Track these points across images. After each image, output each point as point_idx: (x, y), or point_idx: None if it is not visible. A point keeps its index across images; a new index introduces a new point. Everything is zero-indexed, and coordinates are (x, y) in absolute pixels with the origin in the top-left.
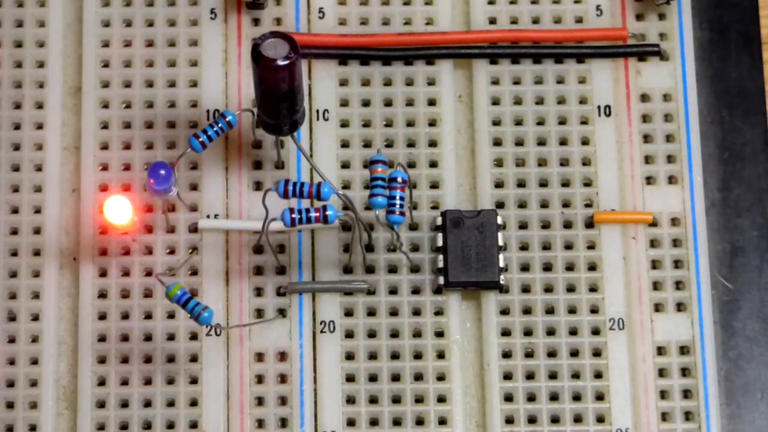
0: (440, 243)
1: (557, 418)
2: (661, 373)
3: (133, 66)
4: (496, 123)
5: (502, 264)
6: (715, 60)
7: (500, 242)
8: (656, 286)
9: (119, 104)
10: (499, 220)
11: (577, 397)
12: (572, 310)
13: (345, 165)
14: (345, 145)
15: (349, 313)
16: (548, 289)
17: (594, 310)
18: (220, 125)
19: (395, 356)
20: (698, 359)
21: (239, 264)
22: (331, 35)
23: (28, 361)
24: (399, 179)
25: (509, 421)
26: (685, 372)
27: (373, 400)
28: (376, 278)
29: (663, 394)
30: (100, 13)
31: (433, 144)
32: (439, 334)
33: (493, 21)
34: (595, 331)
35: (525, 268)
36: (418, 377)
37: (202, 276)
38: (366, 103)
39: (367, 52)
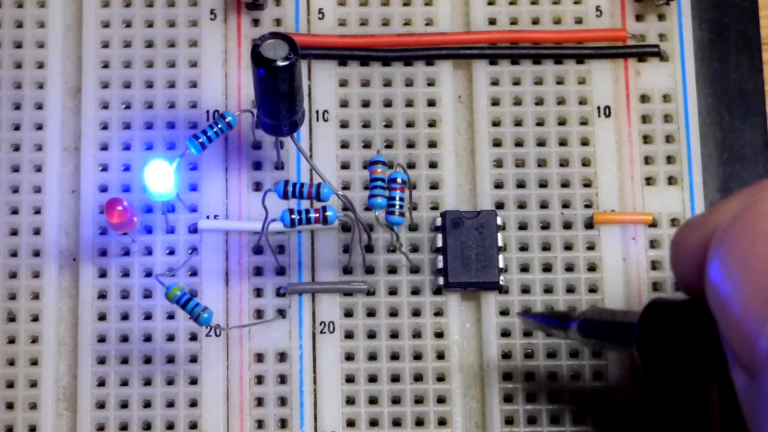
0: (440, 244)
1: (557, 419)
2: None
3: (132, 67)
4: (496, 124)
5: (501, 265)
6: (714, 61)
7: (500, 243)
8: (656, 286)
9: (119, 105)
10: (499, 221)
11: (577, 398)
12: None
13: (345, 166)
14: (345, 145)
15: (348, 313)
16: (548, 290)
17: None
18: (219, 126)
19: (395, 357)
20: None
21: (239, 265)
22: (331, 36)
23: (28, 362)
24: (399, 180)
25: (509, 421)
26: None
27: (373, 400)
28: (375, 279)
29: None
30: (99, 13)
31: (432, 145)
32: (439, 335)
33: (492, 22)
34: None
35: (525, 268)
36: (418, 378)
37: (201, 277)
38: (366, 104)
39: (366, 52)
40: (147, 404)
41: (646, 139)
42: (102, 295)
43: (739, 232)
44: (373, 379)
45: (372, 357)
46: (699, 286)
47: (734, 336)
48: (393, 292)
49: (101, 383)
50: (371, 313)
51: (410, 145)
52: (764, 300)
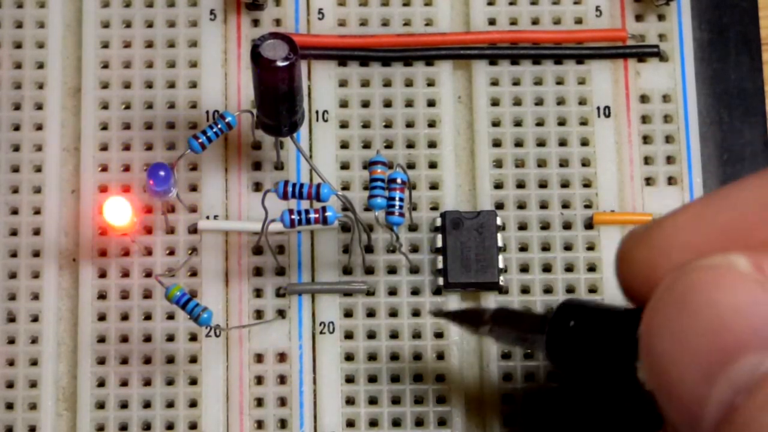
0: (440, 244)
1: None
2: None
3: (132, 67)
4: (496, 124)
5: (501, 265)
6: (714, 61)
7: (499, 243)
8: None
9: (119, 105)
10: (499, 221)
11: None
12: None
13: (344, 166)
14: (344, 146)
15: (348, 314)
16: (548, 290)
17: None
18: (219, 126)
19: (395, 357)
20: None
21: (239, 265)
22: (331, 36)
23: (28, 362)
24: (398, 180)
25: (509, 421)
26: None
27: (373, 400)
28: (375, 279)
29: None
30: (99, 14)
31: (432, 145)
32: (439, 335)
33: (492, 22)
34: None
35: (524, 269)
36: (418, 378)
37: (201, 277)
38: (365, 104)
39: (366, 53)
40: (147, 404)
41: (646, 139)
42: (102, 296)
43: (672, 305)
44: (373, 379)
45: (372, 357)
46: (644, 299)
47: (674, 415)
48: (393, 292)
49: (101, 383)
50: (371, 314)
51: (410, 145)
52: (704, 379)
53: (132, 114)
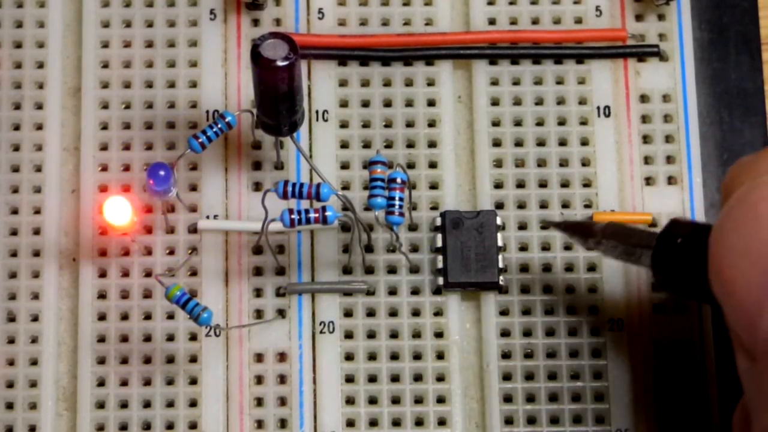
0: (440, 244)
1: (557, 419)
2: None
3: (132, 67)
4: (496, 124)
5: (501, 265)
6: (714, 61)
7: (499, 243)
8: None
9: (119, 105)
10: (499, 221)
11: (576, 398)
12: (571, 311)
13: (344, 166)
14: (344, 145)
15: (348, 313)
16: (547, 290)
17: (593, 311)
18: (219, 126)
19: (395, 357)
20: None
21: (239, 265)
22: (331, 36)
23: (28, 362)
24: (398, 180)
25: (509, 421)
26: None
27: (373, 400)
28: (375, 279)
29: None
30: (99, 13)
31: (432, 145)
32: (439, 335)
33: (492, 22)
34: (595, 332)
35: (524, 268)
36: (418, 378)
37: (201, 277)
38: (365, 104)
39: (366, 52)
40: (147, 404)
41: (646, 139)
42: (102, 295)
43: (742, 215)
44: (372, 379)
45: (372, 357)
46: None
47: (735, 319)
48: (393, 292)
49: (101, 383)
50: (371, 313)
51: (410, 145)
52: (765, 284)
53: (132, 114)
